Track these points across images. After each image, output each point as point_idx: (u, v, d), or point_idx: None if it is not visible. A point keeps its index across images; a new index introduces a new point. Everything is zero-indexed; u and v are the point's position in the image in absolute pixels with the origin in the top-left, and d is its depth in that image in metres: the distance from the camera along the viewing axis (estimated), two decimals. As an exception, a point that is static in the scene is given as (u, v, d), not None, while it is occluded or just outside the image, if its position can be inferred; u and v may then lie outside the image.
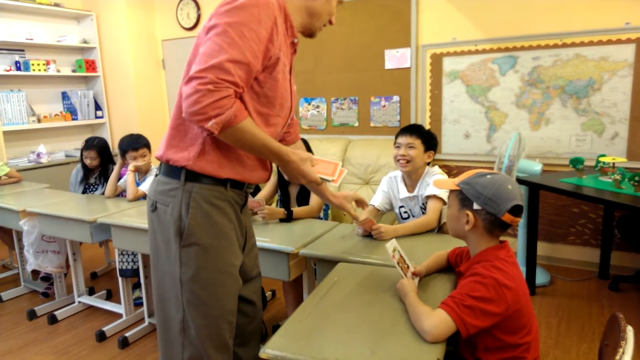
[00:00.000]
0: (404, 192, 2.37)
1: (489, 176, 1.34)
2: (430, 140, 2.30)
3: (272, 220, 2.34)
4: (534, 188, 3.00)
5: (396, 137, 2.34)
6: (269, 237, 2.09)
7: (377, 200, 2.44)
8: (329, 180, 1.50)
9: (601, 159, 2.94)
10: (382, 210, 2.44)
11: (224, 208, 1.41)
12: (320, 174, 1.47)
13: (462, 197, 1.36)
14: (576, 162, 2.93)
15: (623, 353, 1.08)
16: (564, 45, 3.31)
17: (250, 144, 1.30)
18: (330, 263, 1.81)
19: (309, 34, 1.55)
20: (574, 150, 3.40)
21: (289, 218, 2.34)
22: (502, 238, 1.39)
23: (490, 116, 3.64)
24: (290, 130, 1.79)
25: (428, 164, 2.36)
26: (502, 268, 1.27)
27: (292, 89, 1.52)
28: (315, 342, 1.19)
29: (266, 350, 1.16)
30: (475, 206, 1.33)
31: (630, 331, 1.14)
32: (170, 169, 1.40)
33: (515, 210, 1.31)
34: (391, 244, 1.44)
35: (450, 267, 1.60)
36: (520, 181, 3.07)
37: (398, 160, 2.29)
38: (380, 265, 1.72)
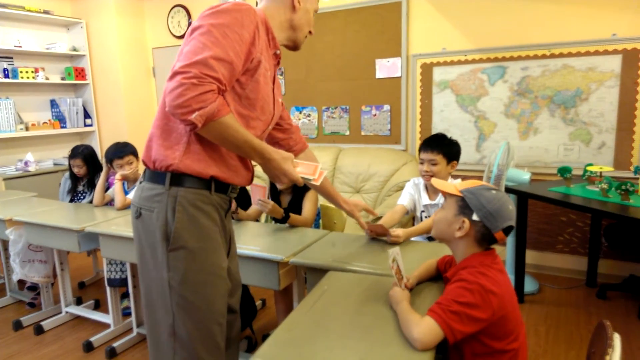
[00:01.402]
0: (425, 199, 2.49)
1: (493, 192, 1.35)
2: (451, 152, 2.40)
3: (270, 214, 2.41)
4: (522, 197, 3.03)
5: (419, 151, 2.44)
6: (259, 245, 2.08)
7: (404, 200, 2.52)
8: (310, 180, 1.52)
9: (588, 168, 2.97)
10: (409, 209, 2.52)
11: (209, 212, 1.42)
12: (301, 174, 1.49)
13: (463, 205, 1.36)
14: (564, 171, 2.96)
15: (610, 360, 1.08)
16: (552, 56, 3.35)
17: (233, 139, 1.32)
18: (320, 272, 1.80)
19: (294, 46, 1.61)
20: (562, 160, 3.43)
21: (284, 220, 2.37)
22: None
23: (479, 125, 3.67)
24: (293, 136, 1.82)
25: (451, 174, 2.46)
26: (487, 274, 1.28)
27: (274, 97, 1.55)
28: (304, 351, 1.18)
29: (255, 360, 1.15)
30: (475, 217, 1.33)
31: (617, 338, 1.15)
32: (154, 175, 1.41)
33: (507, 230, 1.33)
34: (392, 253, 1.44)
35: (440, 275, 1.60)
36: (509, 190, 3.09)
37: (423, 175, 2.42)
38: (370, 273, 1.72)
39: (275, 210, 2.37)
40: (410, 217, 2.59)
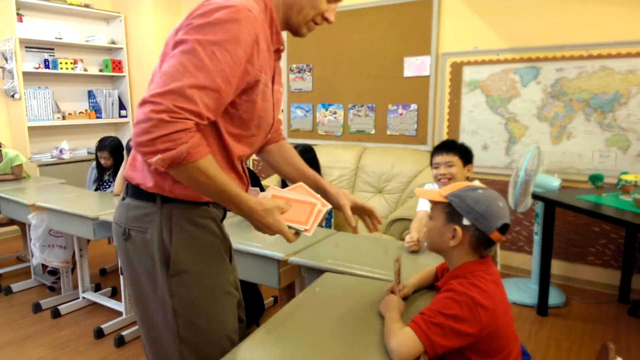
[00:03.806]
0: None
1: (480, 191, 1.26)
2: (467, 154, 2.27)
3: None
4: (549, 204, 2.87)
5: (432, 157, 2.29)
6: (261, 242, 2.05)
7: (425, 205, 2.31)
8: (300, 231, 1.25)
9: (623, 176, 2.79)
10: None
11: (209, 226, 1.27)
12: (290, 222, 1.24)
13: (451, 211, 1.27)
14: (595, 179, 2.78)
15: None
16: (590, 57, 3.16)
17: (204, 187, 1.11)
18: (318, 272, 1.75)
19: (293, 30, 1.30)
20: (596, 167, 3.24)
21: None
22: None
23: (509, 128, 3.52)
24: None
25: (468, 177, 2.31)
26: (480, 286, 1.19)
27: (274, 107, 1.32)
28: (280, 354, 1.13)
29: (227, 361, 1.11)
30: (465, 222, 1.25)
31: (616, 364, 1.04)
32: (142, 192, 1.23)
33: (503, 229, 1.23)
34: (397, 255, 1.39)
35: (439, 282, 1.52)
36: (536, 196, 2.94)
37: (439, 179, 2.25)
38: (367, 277, 1.66)
39: None
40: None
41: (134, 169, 1.25)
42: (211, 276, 1.27)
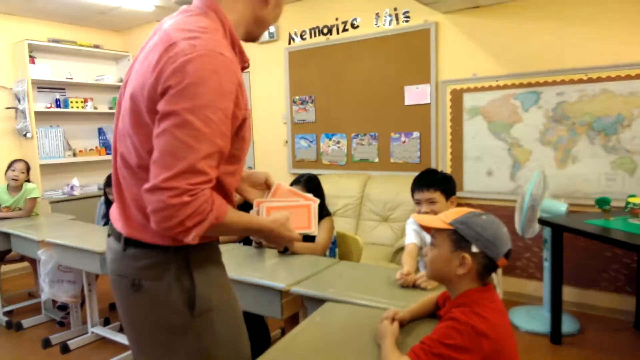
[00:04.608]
0: (428, 237, 2.25)
1: (484, 217, 1.24)
2: (448, 187, 2.12)
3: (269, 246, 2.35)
4: (557, 230, 2.84)
5: (412, 191, 2.16)
6: (268, 272, 2.05)
7: (413, 238, 2.20)
8: (309, 234, 1.42)
9: (630, 199, 2.75)
10: (420, 245, 2.22)
11: (219, 259, 1.32)
12: (299, 230, 1.36)
13: (457, 238, 1.25)
14: (602, 202, 2.76)
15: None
16: (590, 80, 3.18)
17: (232, 232, 1.24)
18: (319, 302, 1.74)
19: (251, 39, 1.32)
20: (603, 190, 3.21)
21: (285, 249, 2.30)
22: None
23: (513, 153, 3.52)
24: None
25: None
26: (482, 315, 1.17)
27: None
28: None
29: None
30: (474, 249, 1.23)
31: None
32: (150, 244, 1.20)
33: (508, 254, 1.23)
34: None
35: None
36: (543, 222, 2.92)
37: None
38: (369, 306, 1.64)
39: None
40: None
41: (143, 229, 1.17)
42: (230, 307, 1.29)
